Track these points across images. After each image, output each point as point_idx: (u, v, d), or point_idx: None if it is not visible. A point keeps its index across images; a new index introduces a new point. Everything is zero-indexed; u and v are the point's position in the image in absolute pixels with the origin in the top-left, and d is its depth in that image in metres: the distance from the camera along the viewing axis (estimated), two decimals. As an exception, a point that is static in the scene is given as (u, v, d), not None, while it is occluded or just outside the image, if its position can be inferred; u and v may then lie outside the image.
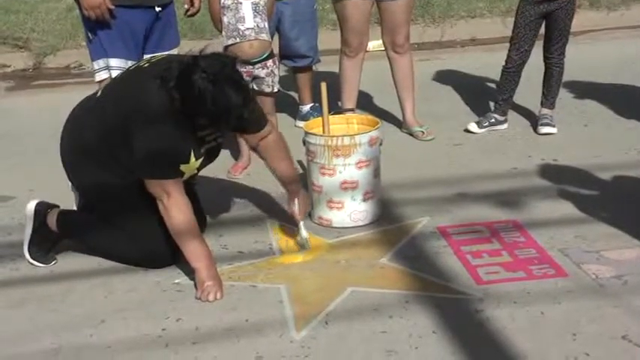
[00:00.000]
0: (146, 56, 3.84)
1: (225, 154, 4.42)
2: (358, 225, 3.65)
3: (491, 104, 5.06)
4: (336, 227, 3.65)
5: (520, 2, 4.72)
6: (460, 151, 4.65)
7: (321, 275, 3.25)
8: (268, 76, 4.21)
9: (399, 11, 4.70)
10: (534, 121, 4.96)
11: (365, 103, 5.42)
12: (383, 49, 4.97)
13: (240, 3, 4.10)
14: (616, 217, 3.52)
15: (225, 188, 4.22)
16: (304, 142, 3.72)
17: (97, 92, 3.42)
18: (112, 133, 3.16)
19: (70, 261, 3.47)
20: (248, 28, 4.11)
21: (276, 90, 4.32)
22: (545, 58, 4.84)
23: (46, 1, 8.75)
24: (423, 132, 4.87)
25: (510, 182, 4.07)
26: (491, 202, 3.80)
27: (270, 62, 4.21)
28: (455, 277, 3.13)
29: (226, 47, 4.14)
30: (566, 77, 4.95)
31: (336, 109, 4.80)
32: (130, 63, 3.76)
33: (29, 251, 3.43)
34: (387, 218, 3.73)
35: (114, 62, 3.85)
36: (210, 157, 3.34)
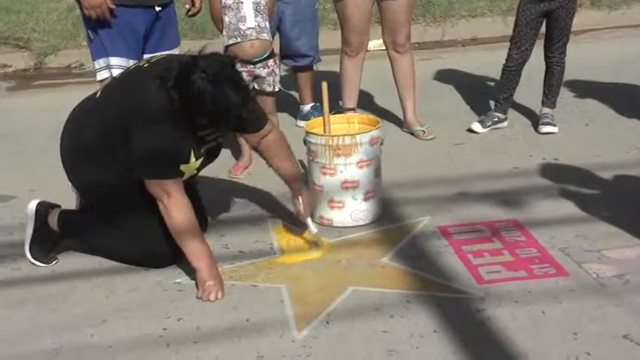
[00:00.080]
0: (146, 56, 3.84)
1: (226, 154, 4.42)
2: (359, 224, 3.65)
3: (492, 103, 5.06)
4: (337, 227, 3.65)
5: (521, 1, 4.72)
6: (461, 150, 4.65)
7: (322, 275, 3.25)
8: (269, 75, 4.21)
9: (400, 10, 4.70)
10: (535, 120, 4.96)
11: (366, 102, 5.41)
12: (384, 48, 4.97)
13: (242, 2, 4.10)
14: (617, 216, 3.52)
15: (227, 188, 4.22)
16: (305, 142, 3.72)
17: (96, 92, 3.42)
18: (111, 133, 3.16)
19: (71, 261, 3.47)
20: (249, 28, 4.11)
21: (277, 89, 4.32)
22: (546, 57, 4.83)
23: (46, 1, 8.75)
24: (423, 131, 4.87)
25: (511, 181, 4.07)
26: (493, 201, 3.80)
27: (271, 62, 4.21)
28: (456, 277, 3.13)
29: (227, 47, 4.14)
30: (567, 76, 4.94)
31: (336, 108, 4.80)
32: (131, 62, 3.77)
33: (30, 251, 3.44)
34: (388, 218, 3.73)
35: (114, 61, 3.85)
36: (210, 156, 3.34)
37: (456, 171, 4.28)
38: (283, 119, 4.88)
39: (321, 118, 3.86)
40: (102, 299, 3.13)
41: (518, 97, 5.07)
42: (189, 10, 4.25)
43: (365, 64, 4.88)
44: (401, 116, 5.04)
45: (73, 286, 3.24)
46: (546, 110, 4.90)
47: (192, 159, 3.18)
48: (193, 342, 2.78)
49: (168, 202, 3.09)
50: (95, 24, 3.86)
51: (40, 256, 3.44)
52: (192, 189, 3.43)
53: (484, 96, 5.56)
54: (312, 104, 5.29)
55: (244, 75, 4.02)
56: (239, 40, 4.12)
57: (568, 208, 3.69)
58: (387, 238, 3.53)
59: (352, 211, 3.64)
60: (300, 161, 3.99)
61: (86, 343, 2.82)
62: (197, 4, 4.22)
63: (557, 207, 3.72)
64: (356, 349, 2.68)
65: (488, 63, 6.08)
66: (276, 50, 4.59)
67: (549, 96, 4.88)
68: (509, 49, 4.82)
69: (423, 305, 2.92)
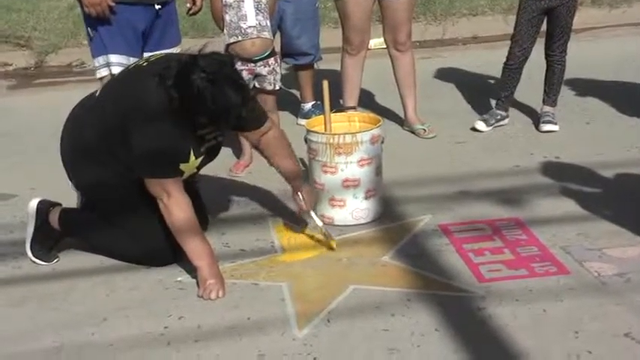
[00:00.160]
0: (146, 54, 3.84)
1: (226, 153, 4.42)
2: (360, 223, 3.65)
3: (492, 102, 5.05)
4: (337, 225, 3.65)
5: (522, -2, 4.73)
6: (462, 148, 4.65)
7: (322, 273, 3.25)
8: (270, 74, 4.21)
9: (401, 9, 4.70)
10: (536, 118, 4.96)
11: (366, 101, 5.41)
12: (384, 46, 4.97)
13: (243, 1, 4.10)
14: (618, 214, 3.52)
15: (227, 186, 4.22)
16: (306, 140, 3.72)
17: (96, 91, 3.42)
18: (111, 132, 3.15)
19: (72, 259, 3.47)
20: (250, 26, 4.11)
21: (277, 88, 4.32)
22: (547, 56, 4.83)
23: (47, 0, 8.74)
24: (424, 130, 4.87)
25: (512, 180, 4.07)
26: (494, 199, 3.80)
27: (271, 60, 4.21)
28: (457, 275, 3.13)
29: (228, 45, 4.14)
30: (567, 75, 4.94)
31: (337, 107, 4.79)
32: (131, 59, 3.77)
33: (31, 249, 3.44)
34: (389, 216, 3.73)
35: (114, 58, 3.85)
36: (210, 155, 3.33)
37: (456, 169, 4.28)
38: (284, 118, 4.88)
39: (322, 116, 3.86)
40: (103, 297, 3.13)
41: (519, 96, 5.07)
42: (190, 9, 4.25)
43: (366, 62, 4.88)
44: (402, 115, 5.03)
45: (74, 285, 3.24)
46: (547, 109, 4.89)
47: (192, 158, 3.18)
48: (194, 340, 2.78)
49: (168, 201, 3.09)
50: (95, 22, 3.86)
51: (41, 255, 3.44)
52: (193, 188, 3.43)
53: (485, 94, 5.56)
54: (313, 103, 5.29)
55: (245, 73, 4.04)
56: (240, 38, 4.11)
57: (569, 206, 3.69)
58: (388, 236, 3.53)
59: (353, 210, 3.64)
60: (301, 160, 3.99)
61: (87, 341, 2.82)
62: (198, 3, 4.22)
63: (559, 205, 3.71)
64: (357, 348, 2.68)
65: (489, 61, 6.08)
66: (277, 49, 4.58)
67: (550, 94, 4.88)
68: (511, 47, 4.82)
69: (423, 304, 2.92)
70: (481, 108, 5.27)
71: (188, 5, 4.24)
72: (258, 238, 3.57)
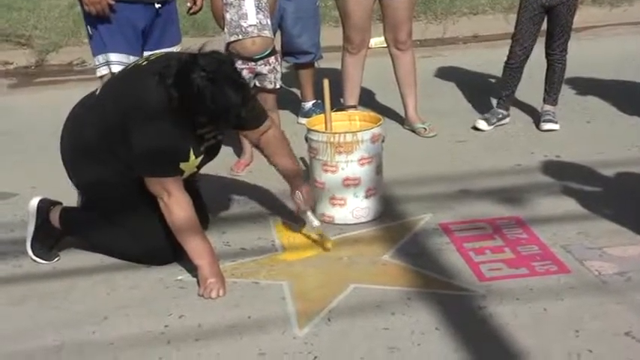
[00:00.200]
0: (146, 53, 3.84)
1: (227, 152, 4.42)
2: (360, 222, 3.65)
3: (493, 101, 5.05)
4: (338, 224, 3.65)
5: (522, -3, 4.73)
6: (462, 147, 4.65)
7: (323, 272, 3.25)
8: (270, 72, 4.21)
9: (402, 8, 4.70)
10: (537, 117, 4.95)
11: (367, 99, 5.41)
12: (385, 45, 4.97)
13: (243, 0, 4.10)
14: (619, 213, 3.52)
15: (228, 185, 4.22)
16: (306, 139, 3.72)
17: (96, 90, 3.42)
18: (111, 131, 3.15)
19: (72, 258, 3.47)
20: (251, 25, 4.11)
21: (278, 86, 4.32)
22: (548, 55, 4.83)
23: (48, -1, 8.76)
24: (425, 129, 4.87)
25: (513, 179, 4.07)
26: (494, 198, 3.80)
27: (272, 59, 4.21)
28: (457, 274, 3.13)
29: (229, 44, 4.14)
30: (568, 74, 4.94)
31: (338, 105, 4.79)
32: (131, 58, 3.77)
33: (32, 248, 3.44)
34: (390, 215, 3.73)
35: (114, 57, 3.85)
36: (210, 154, 3.33)
37: (457, 168, 4.28)
38: (285, 116, 4.88)
39: (322, 115, 3.86)
40: (103, 296, 3.13)
41: (519, 95, 5.07)
42: (190, 8, 4.24)
43: (366, 61, 4.87)
44: (402, 114, 5.03)
45: (75, 283, 3.24)
46: (548, 107, 4.89)
47: (192, 157, 3.18)
48: (195, 339, 2.78)
49: (168, 200, 3.09)
50: (95, 20, 3.86)
51: (42, 253, 3.44)
52: (194, 186, 3.43)
53: (485, 93, 5.56)
54: (314, 101, 5.29)
55: (246, 72, 4.04)
56: (240, 37, 4.11)
57: (570, 205, 3.69)
58: (389, 235, 3.53)
59: (353, 209, 3.64)
60: (302, 158, 4.00)
61: (87, 340, 2.82)
62: (198, 3, 4.21)
63: (559, 204, 3.71)
64: (357, 347, 2.68)
65: (490, 60, 6.08)
66: (278, 47, 4.58)
67: (551, 93, 4.88)
68: (512, 46, 4.82)
69: (424, 302, 2.92)
70: (482, 107, 5.27)
71: (189, 5, 4.23)
72: (258, 237, 3.57)
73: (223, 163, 4.17)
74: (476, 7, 8.25)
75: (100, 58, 3.92)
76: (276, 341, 2.73)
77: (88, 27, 3.94)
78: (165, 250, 3.27)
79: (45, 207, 3.46)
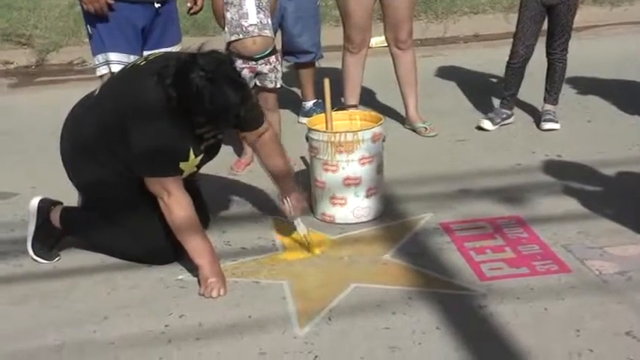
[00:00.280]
0: (146, 53, 3.84)
1: (227, 151, 4.42)
2: (361, 221, 3.65)
3: (493, 100, 5.05)
4: (339, 223, 3.65)
5: (523, -5, 4.72)
6: (463, 147, 4.65)
7: (324, 271, 3.25)
8: (271, 72, 4.21)
9: (402, 7, 4.70)
10: (537, 117, 4.95)
11: (368, 99, 5.41)
12: (386, 45, 4.97)
13: (244, -1, 4.10)
14: (619, 213, 3.51)
15: (228, 185, 4.22)
16: (307, 139, 3.72)
17: (95, 90, 3.42)
18: (110, 131, 3.15)
19: (73, 257, 3.47)
20: (251, 25, 4.10)
21: (278, 86, 4.32)
22: (548, 54, 4.83)
23: (48, -2, 8.76)
24: (425, 128, 4.87)
25: (513, 178, 4.07)
26: (495, 198, 3.80)
27: (273, 58, 4.21)
28: (458, 273, 3.12)
29: (229, 43, 4.14)
30: (569, 73, 4.94)
31: (339, 105, 4.79)
32: (131, 57, 3.76)
33: (33, 248, 3.44)
34: (390, 214, 3.73)
35: (113, 56, 3.85)
36: (210, 154, 3.33)
37: (458, 168, 4.28)
38: (285, 116, 4.88)
39: (323, 114, 3.86)
40: (104, 296, 3.13)
41: (520, 94, 5.06)
42: (190, 8, 4.24)
43: (367, 60, 4.87)
44: (403, 113, 5.03)
45: (75, 283, 3.24)
46: (548, 107, 4.89)
47: (192, 156, 3.18)
48: (195, 339, 2.78)
49: (168, 200, 3.09)
50: (94, 19, 3.85)
51: (42, 253, 3.44)
52: (194, 186, 3.43)
53: (486, 93, 5.56)
54: (315, 101, 5.29)
55: (246, 71, 4.04)
56: (241, 36, 4.11)
57: (570, 204, 3.69)
58: (389, 234, 3.53)
59: (354, 208, 3.64)
60: (302, 158, 4.00)
61: (88, 339, 2.82)
62: (199, 3, 4.21)
63: (560, 204, 3.71)
64: (358, 346, 2.68)
65: (490, 60, 6.07)
66: (278, 47, 4.58)
67: (551, 93, 4.88)
68: (514, 46, 4.81)
69: (425, 302, 2.92)
70: (482, 106, 5.27)
71: (189, 5, 4.23)
72: (259, 237, 3.57)
73: (223, 163, 4.17)
74: (476, 7, 8.26)
75: (100, 58, 3.91)
76: (276, 341, 2.73)
77: (88, 26, 3.94)
78: (166, 249, 3.27)
79: (45, 207, 3.46)
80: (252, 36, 4.12)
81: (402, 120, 5.04)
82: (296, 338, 2.74)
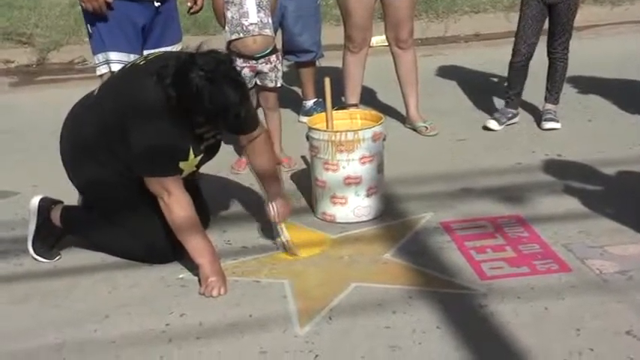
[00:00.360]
0: (146, 52, 3.83)
1: (228, 150, 4.42)
2: (362, 220, 3.65)
3: (494, 99, 5.04)
4: (339, 223, 3.65)
5: (524, -6, 4.72)
6: (464, 146, 4.65)
7: (324, 271, 3.25)
8: (271, 71, 4.21)
9: (403, 6, 4.70)
10: (538, 116, 4.95)
11: (368, 98, 5.41)
12: (386, 44, 4.97)
13: (244, -2, 4.10)
14: (620, 212, 3.51)
15: (229, 184, 4.22)
16: (308, 138, 3.72)
17: (95, 90, 3.42)
18: (110, 130, 3.15)
19: (73, 256, 3.47)
20: (252, 24, 4.10)
21: (279, 85, 4.32)
22: (549, 54, 4.83)
23: (49, -3, 8.76)
24: (426, 127, 4.87)
25: (514, 177, 4.07)
26: (495, 197, 3.80)
27: (273, 57, 4.21)
28: (458, 273, 3.12)
29: (230, 42, 4.14)
30: (569, 72, 4.94)
31: (339, 104, 4.79)
32: (131, 56, 3.75)
33: (33, 247, 3.44)
34: (391, 214, 3.73)
35: (113, 56, 3.84)
36: (209, 153, 3.33)
37: (458, 167, 4.28)
38: (286, 115, 4.88)
39: (323, 113, 3.86)
40: (104, 295, 3.13)
41: (521, 93, 5.07)
42: (190, 8, 4.23)
43: (367, 60, 4.87)
44: (403, 112, 5.03)
45: (76, 282, 3.24)
46: (549, 106, 4.89)
47: (192, 156, 3.18)
48: (196, 338, 2.78)
49: (168, 200, 3.09)
50: (94, 18, 3.84)
51: (43, 252, 3.44)
52: (194, 185, 3.43)
53: (487, 92, 5.56)
54: (315, 100, 5.29)
55: (246, 71, 4.04)
56: (241, 35, 4.11)
57: (571, 204, 3.69)
58: (390, 234, 3.53)
59: (355, 207, 3.64)
60: (303, 157, 3.99)
61: (89, 338, 2.83)
62: (199, 2, 4.19)
63: (560, 203, 3.71)
64: (358, 345, 2.68)
65: (491, 59, 6.08)
66: (279, 46, 4.58)
67: (552, 92, 4.88)
68: (515, 44, 4.80)
69: (425, 301, 2.92)
70: (483, 106, 5.27)
71: (189, 4, 4.22)
72: (259, 236, 3.57)
73: (224, 162, 4.18)
74: (477, 6, 8.26)
75: (100, 57, 3.90)
76: (277, 340, 2.73)
77: (88, 25, 3.94)
78: (166, 249, 3.27)
79: (46, 206, 3.46)
80: (253, 35, 4.12)
81: (403, 119, 5.04)
82: (296, 337, 2.74)
